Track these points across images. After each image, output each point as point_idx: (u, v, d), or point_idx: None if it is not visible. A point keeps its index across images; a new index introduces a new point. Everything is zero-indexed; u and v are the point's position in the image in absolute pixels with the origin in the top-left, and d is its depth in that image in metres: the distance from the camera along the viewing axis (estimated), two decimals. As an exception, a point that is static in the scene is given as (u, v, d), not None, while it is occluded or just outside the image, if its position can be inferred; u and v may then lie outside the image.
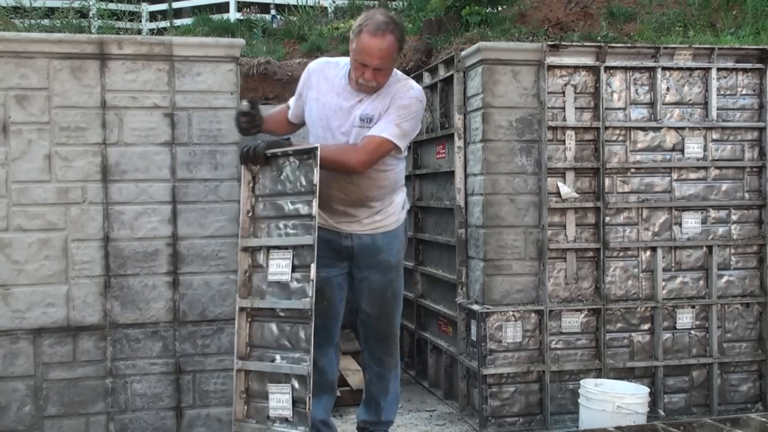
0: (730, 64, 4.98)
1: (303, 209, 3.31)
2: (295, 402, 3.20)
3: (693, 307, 4.95)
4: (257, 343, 3.38)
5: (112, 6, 10.04)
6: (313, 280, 3.22)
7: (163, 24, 11.05)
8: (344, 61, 3.57)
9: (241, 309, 3.37)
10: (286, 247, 3.34)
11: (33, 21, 8.72)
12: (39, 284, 4.11)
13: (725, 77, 4.98)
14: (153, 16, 11.30)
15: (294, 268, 3.31)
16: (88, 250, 4.16)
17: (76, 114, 4.14)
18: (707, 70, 4.93)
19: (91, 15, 9.51)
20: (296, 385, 3.21)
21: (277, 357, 3.29)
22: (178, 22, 11.04)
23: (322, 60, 3.69)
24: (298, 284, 3.29)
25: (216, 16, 10.68)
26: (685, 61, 4.92)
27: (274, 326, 3.32)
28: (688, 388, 4.95)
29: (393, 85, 3.50)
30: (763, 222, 5.02)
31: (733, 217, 5.00)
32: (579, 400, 4.50)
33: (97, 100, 4.17)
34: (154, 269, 4.24)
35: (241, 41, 4.46)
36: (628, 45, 5.40)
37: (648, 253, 4.90)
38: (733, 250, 5.01)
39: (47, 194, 4.11)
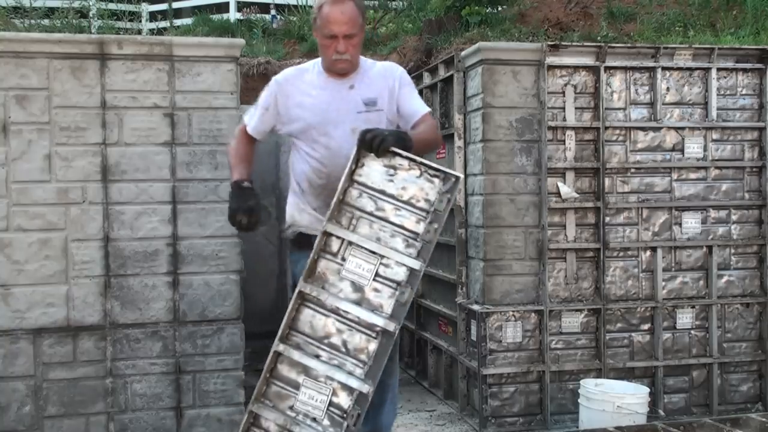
0: (730, 64, 4.98)
1: (409, 224, 3.03)
2: (330, 405, 2.96)
3: (693, 307, 4.95)
4: (302, 329, 3.05)
5: (112, 6, 10.04)
6: (405, 305, 2.98)
7: (163, 24, 11.06)
8: (311, 62, 3.53)
9: (300, 293, 3.04)
10: (374, 252, 3.03)
11: (33, 21, 8.72)
12: (39, 284, 4.11)
13: (725, 77, 4.98)
14: (153, 16, 11.32)
15: (376, 276, 3.01)
16: (88, 250, 4.16)
17: (76, 114, 4.14)
18: (707, 70, 4.93)
19: (91, 15, 9.51)
20: (339, 392, 2.96)
21: (323, 354, 3.01)
22: (178, 22, 11.05)
23: (287, 71, 3.56)
24: (376, 295, 3.00)
25: (216, 16, 10.69)
26: (685, 61, 4.92)
27: (330, 322, 3.02)
28: (688, 388, 4.95)
29: (372, 68, 3.47)
30: (763, 222, 5.02)
31: (733, 217, 5.00)
32: (579, 400, 4.50)
33: (97, 100, 4.17)
34: (154, 269, 4.24)
35: (241, 41, 4.47)
36: (628, 45, 5.40)
37: (648, 253, 4.89)
38: (733, 250, 5.00)
39: (47, 194, 4.11)
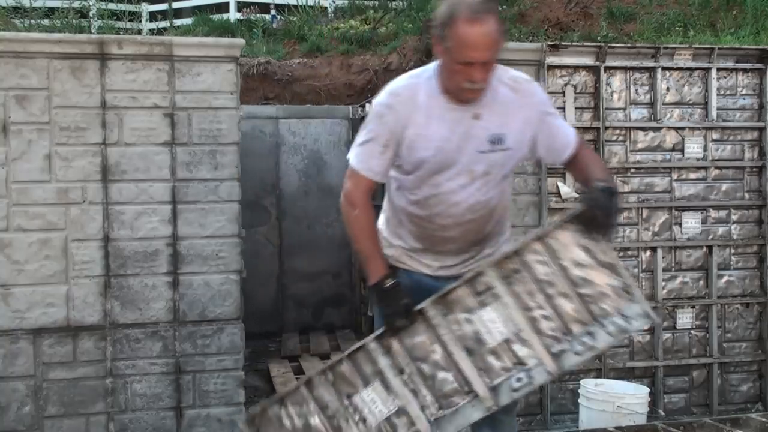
0: (730, 64, 4.98)
1: (569, 317, 2.57)
2: (388, 420, 2.65)
3: (693, 307, 4.95)
4: (403, 338, 2.68)
5: (112, 6, 10.04)
6: (513, 395, 2.58)
7: (163, 24, 11.04)
8: (424, 75, 2.75)
9: (421, 311, 2.66)
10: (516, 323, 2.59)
11: (33, 21, 8.73)
12: (39, 284, 4.11)
13: (725, 77, 4.98)
14: (153, 16, 11.30)
15: (505, 341, 2.59)
16: (88, 250, 4.16)
17: (76, 114, 4.14)
18: (707, 70, 4.94)
19: (91, 15, 9.52)
20: (402, 415, 2.65)
21: (407, 372, 2.66)
22: (178, 22, 11.04)
23: (396, 90, 2.75)
24: (493, 358, 2.60)
25: (216, 16, 10.68)
26: (685, 61, 4.92)
27: (434, 350, 2.65)
28: (688, 388, 4.95)
29: (499, 87, 2.71)
30: (763, 222, 5.02)
31: (733, 217, 5.00)
32: (579, 400, 4.50)
33: (97, 100, 4.17)
34: (154, 269, 4.23)
35: (241, 41, 4.46)
36: (628, 45, 5.41)
37: (648, 253, 4.89)
38: (733, 250, 5.01)
39: (47, 194, 4.11)
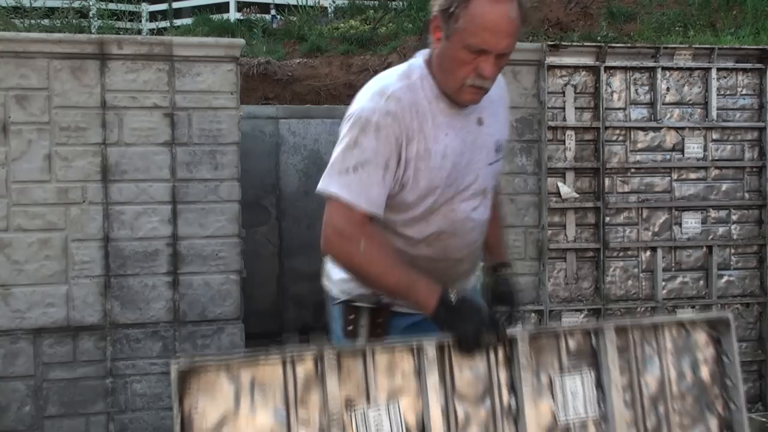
0: (730, 64, 4.98)
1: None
2: None
3: (693, 307, 4.95)
4: (463, 371, 2.01)
5: (112, 6, 10.04)
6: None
7: (163, 24, 11.07)
8: (413, 74, 2.16)
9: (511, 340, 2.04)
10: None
11: (33, 21, 8.73)
12: (39, 284, 4.11)
13: (725, 77, 4.98)
14: (153, 16, 11.32)
15: (578, 428, 2.04)
16: (88, 250, 4.16)
17: (76, 114, 4.14)
18: (707, 70, 4.94)
19: (91, 15, 9.52)
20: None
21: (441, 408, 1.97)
22: (178, 22, 11.06)
23: (395, 89, 2.11)
24: None
25: (216, 16, 10.70)
26: (685, 61, 4.93)
27: (488, 394, 2.01)
28: (688, 388, 4.95)
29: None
30: (763, 222, 5.02)
31: (733, 217, 5.01)
32: (579, 400, 4.50)
33: (97, 100, 4.17)
34: (154, 269, 4.24)
35: (241, 41, 4.47)
36: (628, 45, 5.41)
37: (648, 253, 4.90)
38: (733, 250, 5.01)
39: (47, 194, 4.11)
